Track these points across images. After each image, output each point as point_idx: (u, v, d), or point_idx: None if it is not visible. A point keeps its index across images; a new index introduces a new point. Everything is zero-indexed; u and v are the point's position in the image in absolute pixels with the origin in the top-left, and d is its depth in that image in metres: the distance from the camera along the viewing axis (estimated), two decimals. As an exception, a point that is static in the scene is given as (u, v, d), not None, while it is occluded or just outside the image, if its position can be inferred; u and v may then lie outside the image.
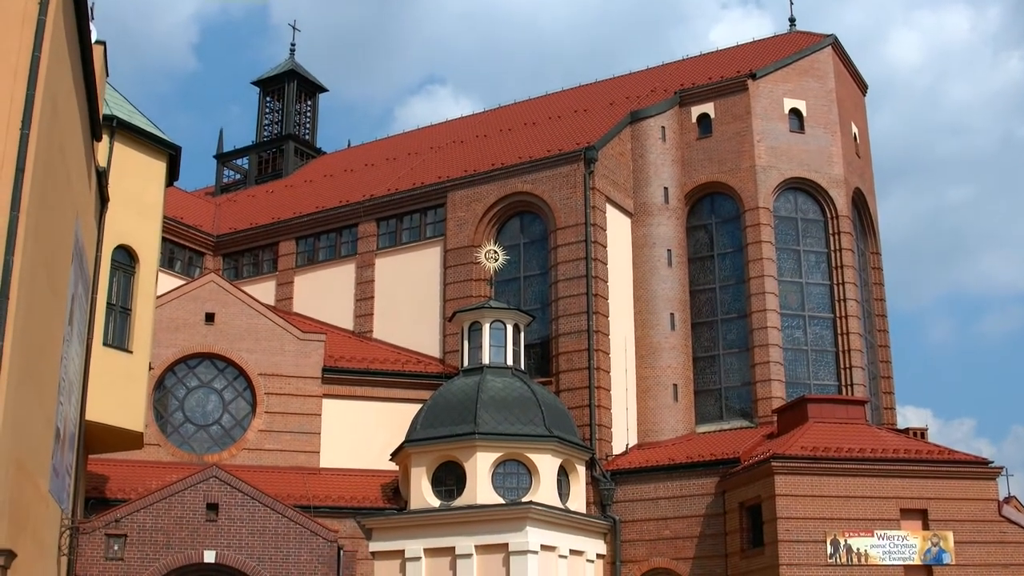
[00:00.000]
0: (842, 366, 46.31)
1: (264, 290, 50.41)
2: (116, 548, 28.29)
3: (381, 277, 49.09)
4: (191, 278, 47.52)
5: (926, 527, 37.07)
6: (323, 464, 42.08)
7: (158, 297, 33.52)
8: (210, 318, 41.95)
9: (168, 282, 44.18)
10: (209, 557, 30.69)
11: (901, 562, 36.62)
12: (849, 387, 45.74)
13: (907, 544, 36.73)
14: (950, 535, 37.09)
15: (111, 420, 28.27)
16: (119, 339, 29.13)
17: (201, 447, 41.22)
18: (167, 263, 48.78)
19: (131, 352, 29.41)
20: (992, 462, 39.01)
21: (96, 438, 28.99)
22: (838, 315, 46.93)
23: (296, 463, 41.51)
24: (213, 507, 31.03)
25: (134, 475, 37.03)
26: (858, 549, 36.28)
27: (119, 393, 28.47)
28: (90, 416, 26.68)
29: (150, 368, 32.70)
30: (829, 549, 36.08)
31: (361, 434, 42.85)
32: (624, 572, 41.05)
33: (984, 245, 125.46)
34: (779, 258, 46.89)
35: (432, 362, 45.98)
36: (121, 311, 29.26)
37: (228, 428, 41.77)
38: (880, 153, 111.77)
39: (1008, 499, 44.50)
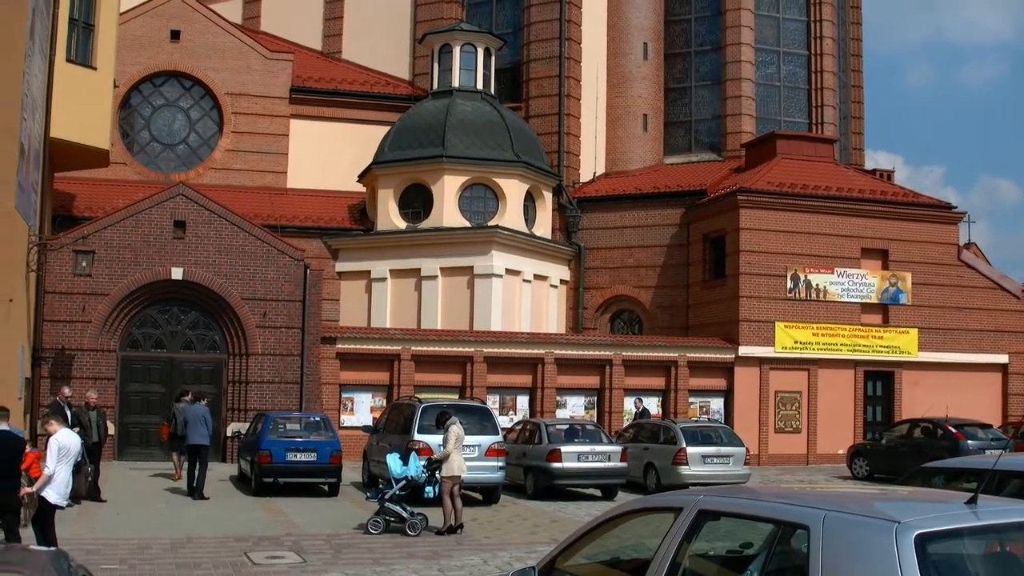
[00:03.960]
0: (814, 104, 46.08)
1: (231, 8, 48.99)
2: (84, 264, 28.22)
3: (351, -4, 47.86)
4: (155, -7, 46.20)
5: (886, 267, 37.75)
6: (290, 184, 42.10)
7: (122, 13, 32.64)
8: (175, 36, 41.14)
9: (132, -3, 42.99)
10: (177, 274, 30.86)
11: (859, 299, 37.44)
12: (819, 125, 45.65)
13: (866, 282, 37.45)
14: (908, 276, 37.82)
15: (76, 137, 27.98)
16: (82, 55, 28.52)
17: (168, 166, 41.08)
18: (131, -24, 47.26)
19: (95, 69, 28.84)
20: (956, 207, 39.48)
21: (62, 156, 28.78)
22: (813, 52, 46.35)
23: (263, 183, 41.48)
24: (180, 225, 31.01)
25: (101, 193, 36.96)
26: (817, 285, 36.98)
27: (84, 110, 28.05)
28: (55, 133, 26.36)
29: (115, 86, 32.19)
30: (789, 283, 36.76)
31: (329, 155, 42.70)
32: (587, 298, 41.79)
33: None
34: (756, -9, 45.96)
35: (401, 84, 45.44)
36: (84, 27, 28.55)
37: (195, 147, 41.51)
38: None
39: (968, 245, 45.30)
